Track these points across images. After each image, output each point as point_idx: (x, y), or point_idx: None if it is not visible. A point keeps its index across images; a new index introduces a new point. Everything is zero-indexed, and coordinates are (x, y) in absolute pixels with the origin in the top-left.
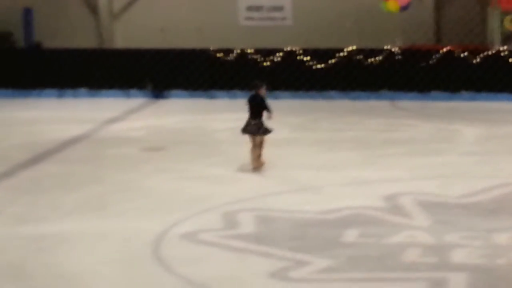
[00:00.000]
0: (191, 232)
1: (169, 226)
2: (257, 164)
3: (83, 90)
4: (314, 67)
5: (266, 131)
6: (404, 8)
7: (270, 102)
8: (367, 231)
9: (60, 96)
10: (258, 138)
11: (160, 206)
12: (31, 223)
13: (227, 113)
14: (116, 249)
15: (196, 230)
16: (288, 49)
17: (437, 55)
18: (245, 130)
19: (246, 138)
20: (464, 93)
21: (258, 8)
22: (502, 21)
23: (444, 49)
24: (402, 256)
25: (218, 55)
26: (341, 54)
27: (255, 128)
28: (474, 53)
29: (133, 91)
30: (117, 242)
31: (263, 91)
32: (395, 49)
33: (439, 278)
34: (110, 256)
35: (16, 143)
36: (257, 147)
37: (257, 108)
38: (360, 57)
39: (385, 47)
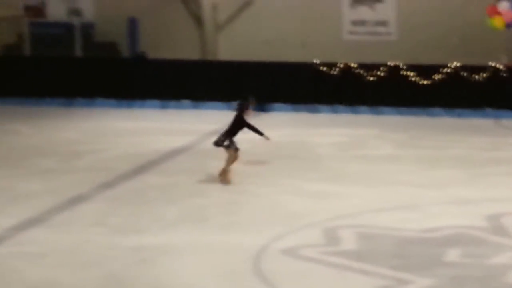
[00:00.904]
0: (292, 247)
1: (270, 241)
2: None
3: (186, 102)
4: (418, 82)
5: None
6: (510, 25)
7: (367, 118)
8: (470, 251)
9: (163, 107)
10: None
11: (261, 220)
12: (132, 234)
13: (330, 128)
14: (217, 263)
15: (297, 246)
16: (392, 64)
17: None
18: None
19: (349, 154)
20: None
21: (362, 23)
22: None
23: None
24: (505, 277)
25: (322, 69)
26: (446, 70)
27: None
28: None
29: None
30: (218, 255)
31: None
32: (500, 66)
33: None
34: (211, 269)
35: (119, 154)
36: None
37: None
38: (464, 73)
39: (490, 64)
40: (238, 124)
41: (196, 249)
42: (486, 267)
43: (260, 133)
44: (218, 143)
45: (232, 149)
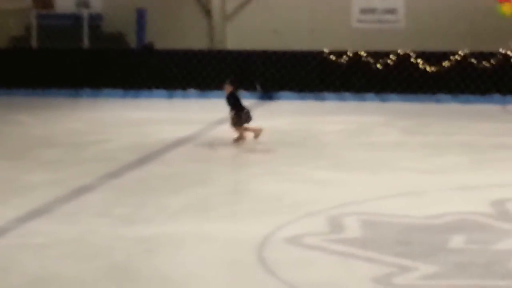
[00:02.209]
0: (296, 236)
1: (274, 229)
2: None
3: (193, 91)
4: (426, 70)
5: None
6: None
7: (374, 105)
8: (474, 237)
9: (170, 96)
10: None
11: (265, 209)
12: (137, 224)
13: (336, 115)
14: (221, 252)
15: (301, 234)
16: (401, 52)
17: None
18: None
19: (356, 141)
20: None
21: (371, 11)
22: None
23: None
24: (510, 263)
25: (331, 57)
26: (455, 57)
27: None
28: None
29: (243, 93)
30: (222, 244)
31: (228, 89)
32: (509, 53)
33: None
34: (215, 258)
35: (125, 144)
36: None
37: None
38: (473, 60)
39: (500, 51)
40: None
41: (200, 239)
42: (491, 253)
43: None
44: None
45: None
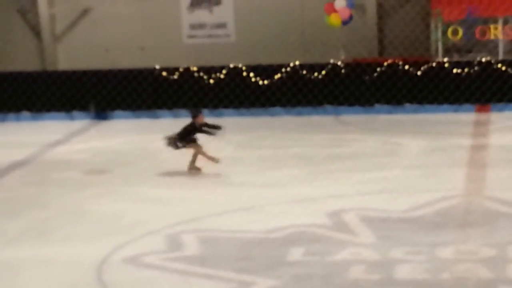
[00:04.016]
0: (134, 256)
1: (112, 250)
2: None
3: (26, 114)
4: (258, 83)
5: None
6: (345, 22)
7: (208, 121)
8: (312, 249)
9: (2, 120)
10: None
11: (103, 230)
12: None
13: (171, 132)
14: (60, 275)
15: (141, 253)
16: (232, 66)
17: (381, 68)
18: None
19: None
20: (408, 106)
21: (201, 26)
22: (444, 32)
23: (387, 62)
24: (347, 273)
25: (163, 74)
26: (286, 69)
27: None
28: (417, 65)
29: (76, 113)
30: (61, 268)
31: (201, 119)
32: (339, 63)
33: None
34: (54, 282)
35: None
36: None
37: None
38: (304, 72)
39: (330, 61)
40: (191, 128)
41: (40, 263)
42: (329, 264)
43: (213, 132)
44: (177, 146)
45: (193, 143)
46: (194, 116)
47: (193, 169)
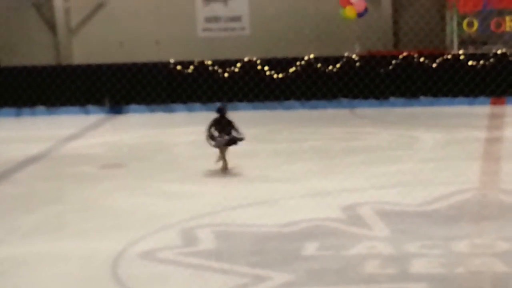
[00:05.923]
0: (150, 250)
1: (128, 245)
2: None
3: (41, 108)
4: (273, 76)
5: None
6: (361, 15)
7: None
8: (326, 243)
9: (18, 115)
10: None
11: (119, 224)
12: None
13: (186, 127)
14: (76, 270)
15: (155, 248)
16: (247, 59)
17: (396, 61)
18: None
19: (206, 152)
20: (423, 99)
21: (216, 19)
22: (459, 24)
23: (402, 55)
24: (361, 267)
25: (178, 67)
26: (300, 62)
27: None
28: (432, 57)
29: (91, 107)
30: (76, 262)
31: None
32: (353, 56)
33: None
34: (69, 277)
35: None
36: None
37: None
38: (319, 65)
39: (345, 54)
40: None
41: (54, 258)
42: (344, 258)
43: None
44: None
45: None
46: (223, 112)
47: (224, 167)
